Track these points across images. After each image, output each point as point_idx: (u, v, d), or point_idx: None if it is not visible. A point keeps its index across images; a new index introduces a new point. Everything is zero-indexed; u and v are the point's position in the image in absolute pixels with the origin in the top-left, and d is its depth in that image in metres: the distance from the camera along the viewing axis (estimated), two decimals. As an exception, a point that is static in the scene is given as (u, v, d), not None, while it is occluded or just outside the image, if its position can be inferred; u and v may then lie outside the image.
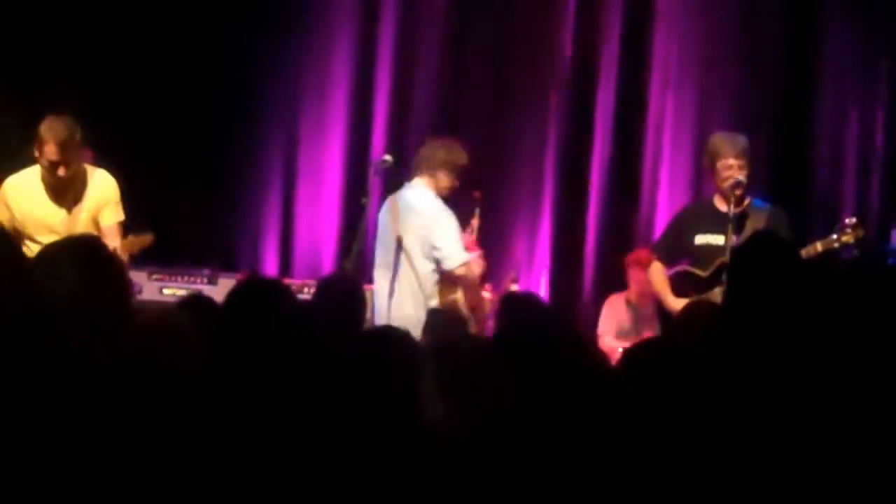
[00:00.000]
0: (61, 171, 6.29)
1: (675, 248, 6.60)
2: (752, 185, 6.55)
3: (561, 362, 2.95)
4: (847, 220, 6.31)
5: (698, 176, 8.52)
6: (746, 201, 6.51)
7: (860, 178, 8.43)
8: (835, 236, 6.24)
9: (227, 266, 8.34)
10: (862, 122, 8.44)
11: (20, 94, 7.72)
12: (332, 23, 9.14)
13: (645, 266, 7.70)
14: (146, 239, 6.58)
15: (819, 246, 6.21)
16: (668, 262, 6.62)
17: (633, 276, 7.87)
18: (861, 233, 6.25)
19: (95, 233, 6.32)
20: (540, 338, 3.09)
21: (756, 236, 3.71)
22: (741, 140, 6.51)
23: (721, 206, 6.48)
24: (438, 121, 8.79)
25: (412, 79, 9.05)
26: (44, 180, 6.39)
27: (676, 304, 6.33)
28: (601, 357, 3.48)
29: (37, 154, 6.31)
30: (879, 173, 8.40)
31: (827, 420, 2.66)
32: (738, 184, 6.43)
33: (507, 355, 3.08)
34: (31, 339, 2.79)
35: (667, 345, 2.82)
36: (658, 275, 6.62)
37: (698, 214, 6.59)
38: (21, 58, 8.11)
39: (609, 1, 8.88)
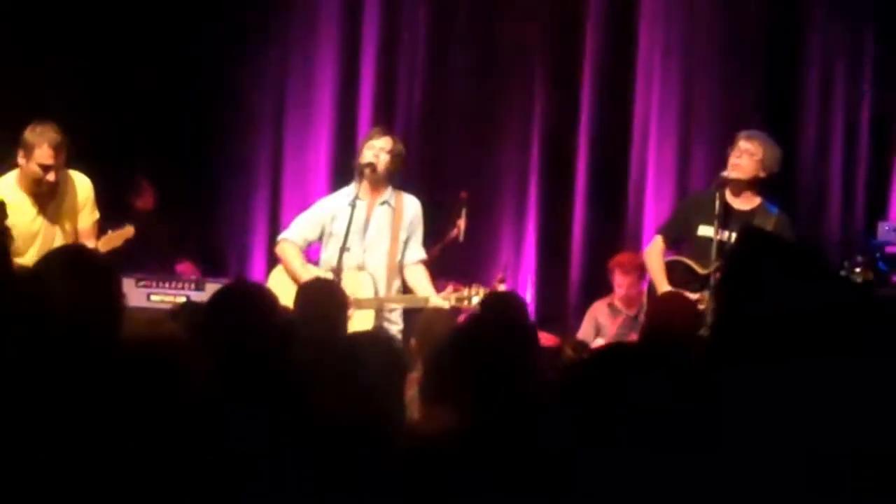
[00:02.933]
0: (51, 176, 6.26)
1: (679, 232, 6.62)
2: (766, 189, 6.55)
3: (508, 367, 2.97)
4: (859, 258, 6.29)
5: (683, 175, 8.53)
6: (758, 202, 6.51)
7: (846, 171, 8.42)
8: (843, 273, 6.21)
9: (215, 271, 8.33)
10: (847, 112, 8.42)
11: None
12: (316, 27, 9.13)
13: (629, 269, 7.70)
14: (127, 231, 6.55)
15: None
16: (671, 244, 6.63)
17: (618, 279, 7.79)
18: (871, 275, 6.23)
19: (72, 235, 6.32)
20: (493, 341, 3.10)
21: (752, 235, 3.68)
22: (757, 134, 6.52)
23: (730, 199, 6.48)
24: (423, 123, 8.79)
25: (396, 82, 9.04)
26: (24, 187, 6.35)
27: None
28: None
29: (23, 160, 6.28)
30: (866, 165, 8.39)
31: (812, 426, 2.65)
32: (723, 178, 6.44)
33: (467, 355, 3.08)
34: (27, 349, 2.79)
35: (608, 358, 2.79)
36: (656, 257, 6.62)
37: (704, 204, 6.57)
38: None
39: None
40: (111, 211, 6.79)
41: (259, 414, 3.00)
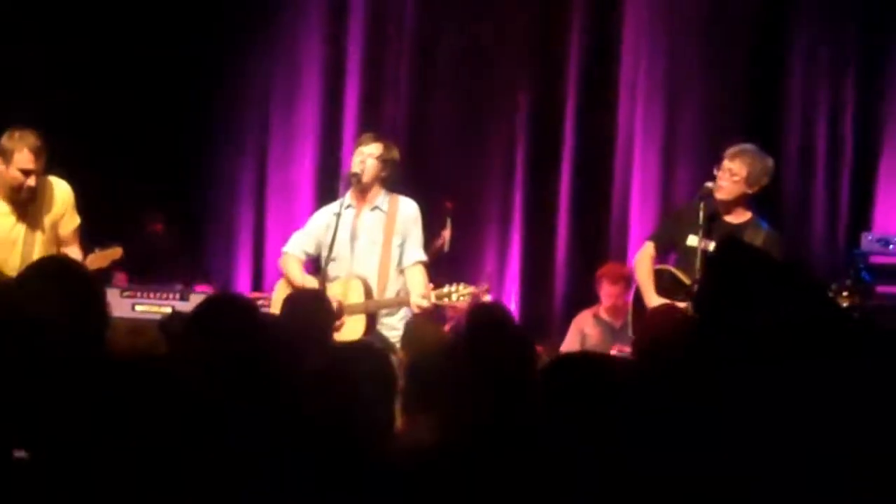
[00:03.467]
0: (31, 181, 6.18)
1: (669, 241, 6.61)
2: (759, 205, 6.56)
3: (508, 375, 2.97)
4: (847, 282, 6.30)
5: (668, 187, 8.55)
6: (748, 216, 6.50)
7: (829, 182, 8.44)
8: (833, 294, 6.22)
9: (200, 282, 8.32)
10: (830, 125, 8.44)
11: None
12: (301, 37, 9.14)
13: (616, 280, 7.70)
14: (115, 252, 6.51)
15: None
16: (661, 251, 6.63)
17: (605, 289, 7.78)
18: (858, 299, 6.24)
19: (54, 242, 6.29)
20: (493, 351, 3.10)
21: (730, 244, 3.68)
22: (747, 150, 6.50)
23: (722, 212, 6.49)
24: (408, 133, 8.79)
25: (381, 91, 9.05)
26: (2, 194, 6.29)
27: (656, 301, 6.34)
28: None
29: (1, 167, 6.16)
30: (849, 177, 8.42)
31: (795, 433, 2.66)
32: (706, 190, 6.45)
33: (465, 366, 3.08)
34: (12, 359, 2.79)
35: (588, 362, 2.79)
36: (646, 264, 6.61)
37: (692, 214, 6.56)
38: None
39: (576, 5, 8.90)
40: (122, 233, 6.77)
41: (245, 421, 3.00)
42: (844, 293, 6.18)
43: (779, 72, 8.52)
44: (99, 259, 6.46)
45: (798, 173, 8.45)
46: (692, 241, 6.39)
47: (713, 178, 6.46)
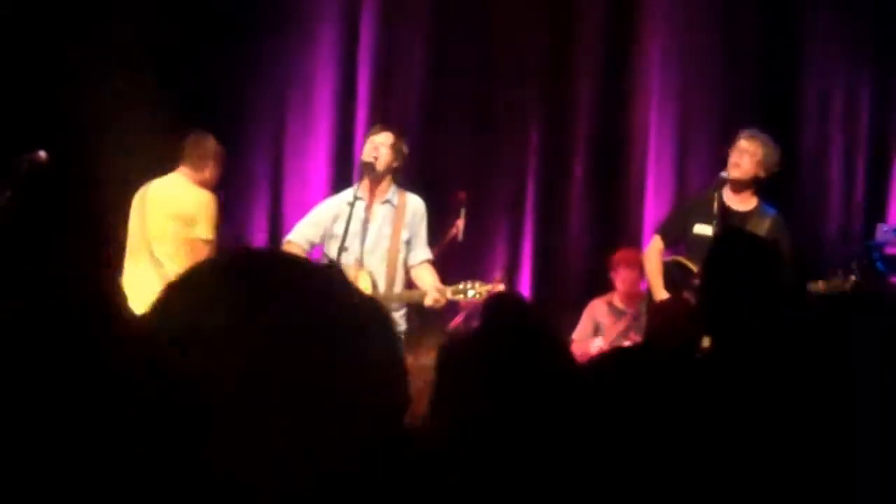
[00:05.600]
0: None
1: (676, 232, 6.63)
2: (765, 191, 6.56)
3: (537, 364, 2.94)
4: (854, 265, 6.30)
5: (682, 174, 8.54)
6: (755, 203, 6.51)
7: (845, 172, 8.42)
8: (841, 278, 6.22)
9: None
10: (846, 113, 8.42)
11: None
12: (315, 27, 9.13)
13: (633, 265, 7.68)
14: None
15: (822, 285, 6.19)
16: (668, 243, 6.64)
17: (621, 275, 7.75)
18: (863, 281, 6.24)
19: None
20: (517, 340, 3.08)
21: (732, 234, 3.69)
22: (759, 134, 6.54)
23: (729, 199, 6.49)
24: (421, 124, 8.78)
25: (395, 79, 9.04)
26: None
27: (663, 296, 6.34)
28: (573, 360, 3.47)
29: (211, 171, 6.78)
30: (864, 168, 8.39)
31: (800, 430, 2.65)
32: (721, 180, 6.46)
33: (486, 356, 3.06)
34: None
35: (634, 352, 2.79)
36: (654, 259, 6.62)
37: (702, 204, 6.58)
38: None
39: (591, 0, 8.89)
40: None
41: (246, 409, 2.99)
42: (850, 276, 6.18)
43: (794, 61, 8.49)
44: None
45: (813, 164, 8.43)
46: (699, 229, 6.41)
47: (726, 165, 6.48)
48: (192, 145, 6.84)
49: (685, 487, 2.50)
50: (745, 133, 6.56)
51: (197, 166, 6.78)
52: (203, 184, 6.81)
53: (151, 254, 6.62)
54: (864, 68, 8.39)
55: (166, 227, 6.68)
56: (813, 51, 8.47)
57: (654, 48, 8.75)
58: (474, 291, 6.33)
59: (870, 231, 7.76)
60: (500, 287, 6.83)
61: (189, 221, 6.72)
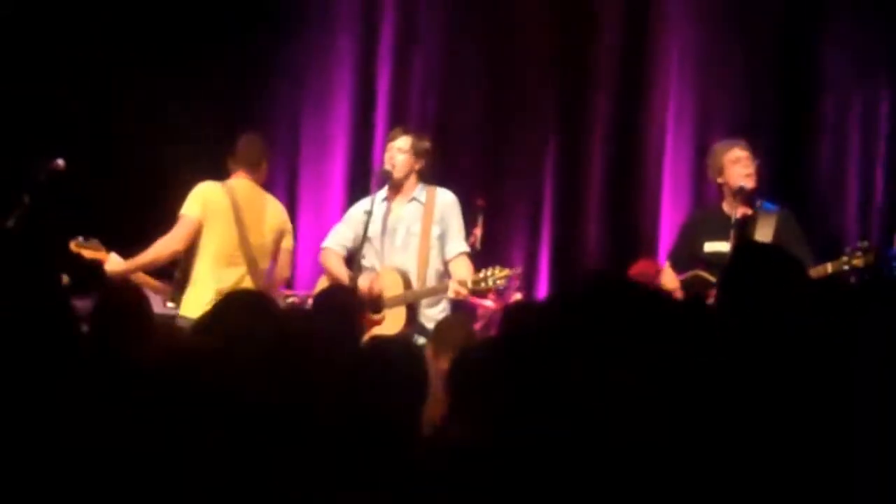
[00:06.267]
0: None
1: (686, 256, 6.60)
2: (760, 188, 6.56)
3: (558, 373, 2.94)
4: (859, 244, 6.27)
5: (700, 181, 8.52)
6: (756, 204, 6.51)
7: (863, 181, 8.40)
8: (846, 258, 6.20)
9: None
10: (864, 124, 8.40)
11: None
12: (333, 36, 9.17)
13: (651, 277, 7.68)
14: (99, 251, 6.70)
15: (829, 267, 6.18)
16: (681, 268, 6.62)
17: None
18: (872, 257, 6.22)
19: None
20: (536, 349, 3.08)
21: (747, 249, 3.69)
22: (743, 141, 6.57)
23: (728, 209, 6.48)
24: (439, 129, 8.78)
25: (413, 89, 9.05)
26: None
27: None
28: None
29: (264, 171, 6.85)
30: (883, 177, 8.37)
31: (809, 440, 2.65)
32: (744, 189, 6.44)
33: (509, 364, 3.07)
34: None
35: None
36: (670, 283, 6.61)
37: (706, 221, 6.58)
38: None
39: (609, 3, 8.87)
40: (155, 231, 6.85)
41: (270, 414, 3.01)
42: (859, 253, 6.17)
43: (812, 72, 8.47)
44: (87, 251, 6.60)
45: (831, 174, 8.40)
46: (710, 247, 6.40)
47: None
48: (246, 147, 6.80)
49: (689, 492, 2.50)
50: (733, 143, 6.58)
51: (255, 168, 6.78)
52: (262, 185, 6.82)
53: (256, 267, 6.61)
54: (883, 78, 8.36)
55: (268, 240, 6.71)
56: (831, 61, 8.44)
57: (671, 57, 8.74)
58: (493, 279, 6.28)
59: (888, 240, 7.73)
60: (518, 271, 6.81)
61: (284, 233, 6.83)
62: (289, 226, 6.85)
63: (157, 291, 6.64)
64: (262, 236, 6.65)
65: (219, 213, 6.60)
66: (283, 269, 6.80)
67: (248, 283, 6.42)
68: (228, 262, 6.56)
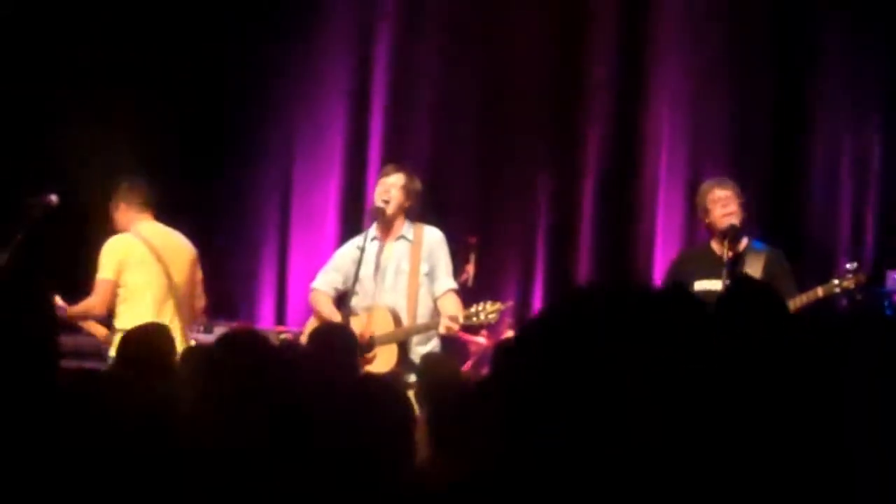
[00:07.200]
0: None
1: None
2: (749, 227, 6.57)
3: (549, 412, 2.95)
4: (848, 266, 6.29)
5: (693, 216, 8.53)
6: (744, 243, 6.52)
7: (855, 217, 8.41)
8: (836, 281, 6.22)
9: (224, 315, 8.32)
10: (856, 156, 8.41)
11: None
12: (326, 70, 9.17)
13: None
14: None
15: (820, 291, 6.20)
16: None
17: None
18: (863, 278, 6.24)
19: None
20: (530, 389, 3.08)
21: (739, 286, 3.70)
22: (727, 180, 6.59)
23: (717, 248, 6.49)
24: (432, 167, 8.80)
25: (406, 125, 9.07)
26: None
27: None
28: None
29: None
30: (875, 212, 8.38)
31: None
32: (731, 228, 6.45)
33: (497, 400, 3.07)
34: None
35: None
36: None
37: (694, 260, 6.60)
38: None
39: (602, 30, 8.88)
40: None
41: (262, 453, 3.01)
42: (849, 276, 6.19)
43: (804, 111, 8.50)
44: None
45: (823, 211, 8.41)
46: (700, 285, 6.39)
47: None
48: (142, 190, 6.88)
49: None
50: (713, 183, 6.63)
51: (154, 207, 6.87)
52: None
53: (182, 303, 6.69)
54: (875, 115, 8.39)
55: (187, 275, 6.81)
56: (824, 98, 8.47)
57: (664, 92, 8.76)
58: (485, 314, 6.30)
59: (880, 278, 7.74)
60: (510, 305, 6.81)
61: (196, 263, 6.91)
62: (196, 255, 6.90)
63: (104, 341, 6.65)
64: (183, 273, 6.75)
65: (140, 263, 6.65)
66: (199, 299, 6.93)
67: (176, 321, 6.47)
68: (163, 302, 6.64)
